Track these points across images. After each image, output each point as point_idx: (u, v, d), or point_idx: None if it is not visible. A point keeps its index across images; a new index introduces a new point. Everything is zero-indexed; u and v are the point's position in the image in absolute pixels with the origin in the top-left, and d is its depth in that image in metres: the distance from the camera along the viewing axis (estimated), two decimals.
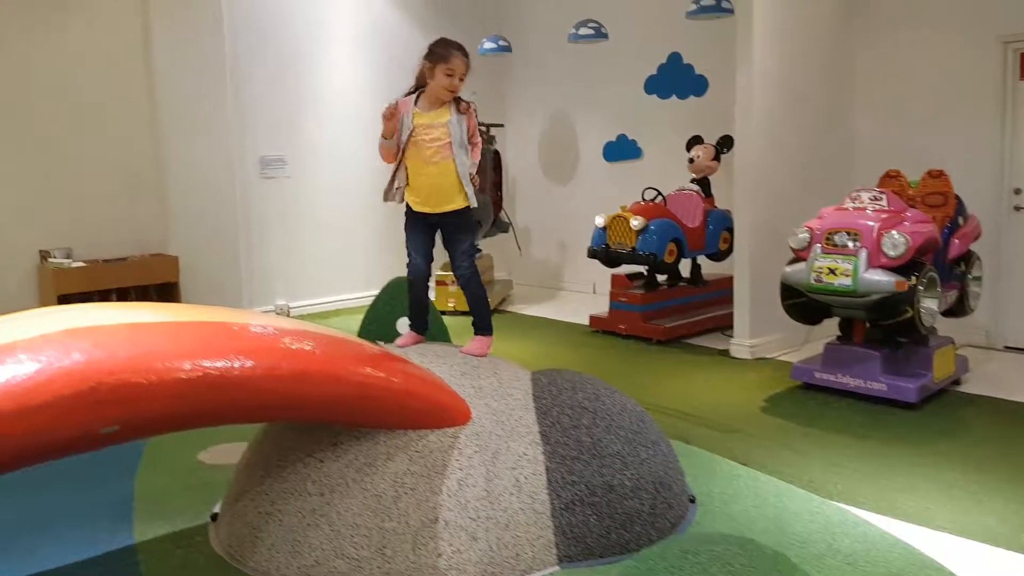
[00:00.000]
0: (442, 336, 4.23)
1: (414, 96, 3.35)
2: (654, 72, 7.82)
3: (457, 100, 3.35)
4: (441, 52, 3.25)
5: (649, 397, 4.84)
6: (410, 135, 3.28)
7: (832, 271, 4.62)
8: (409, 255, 3.50)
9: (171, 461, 3.87)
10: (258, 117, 7.38)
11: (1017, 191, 5.96)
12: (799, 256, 4.89)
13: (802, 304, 4.94)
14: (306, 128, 7.73)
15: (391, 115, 3.28)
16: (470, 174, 3.37)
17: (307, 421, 2.71)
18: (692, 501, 3.20)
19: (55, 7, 6.17)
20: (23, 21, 6.09)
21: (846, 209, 4.89)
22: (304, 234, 7.78)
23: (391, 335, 4.09)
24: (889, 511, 3.34)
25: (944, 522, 3.24)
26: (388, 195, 3.44)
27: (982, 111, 5.99)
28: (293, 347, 2.41)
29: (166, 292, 6.57)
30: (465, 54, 3.28)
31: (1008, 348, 6.05)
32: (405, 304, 4.23)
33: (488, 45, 7.88)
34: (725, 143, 6.77)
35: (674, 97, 7.74)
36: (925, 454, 4.00)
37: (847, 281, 4.56)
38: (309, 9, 7.64)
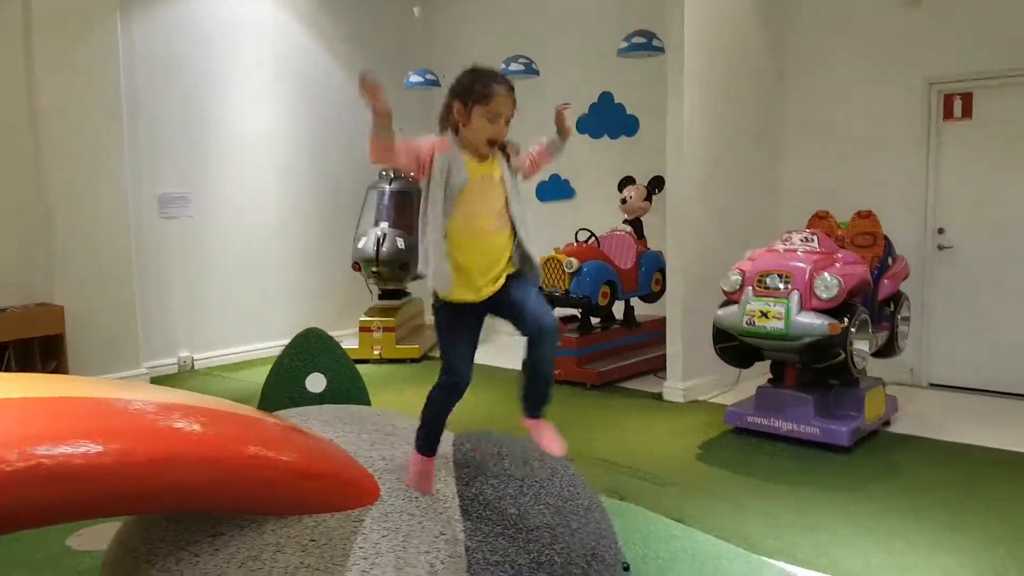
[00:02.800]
0: (359, 395, 3.92)
1: (452, 137, 2.46)
2: (586, 111, 7.77)
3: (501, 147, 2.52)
4: (480, 90, 2.43)
5: (584, 447, 4.66)
6: (460, 192, 2.39)
7: (764, 314, 4.54)
8: (452, 368, 2.57)
9: (34, 548, 3.39)
10: (160, 153, 6.94)
11: (940, 231, 6.04)
12: (731, 299, 4.80)
13: (734, 347, 4.85)
14: (212, 164, 7.33)
15: (374, 88, 2.23)
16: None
17: (181, 511, 2.35)
18: (626, 569, 3.01)
19: None
20: None
21: (777, 251, 4.84)
22: (209, 279, 7.30)
23: (299, 394, 3.72)
24: (830, 567, 3.21)
25: None
26: (424, 270, 2.46)
27: (907, 153, 6.08)
28: (161, 425, 2.05)
29: (51, 346, 5.94)
30: (510, 88, 2.48)
31: (932, 385, 6.10)
32: (316, 359, 3.84)
33: (414, 79, 7.71)
34: (656, 184, 6.73)
35: (606, 137, 7.69)
36: (861, 501, 3.91)
37: (779, 324, 4.49)
38: (219, 40, 7.33)
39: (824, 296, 4.44)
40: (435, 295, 2.50)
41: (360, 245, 7.37)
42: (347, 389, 3.79)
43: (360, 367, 7.46)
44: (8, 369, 5.74)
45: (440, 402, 2.63)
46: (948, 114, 5.98)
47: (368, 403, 3.89)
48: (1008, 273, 5.76)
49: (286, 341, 3.93)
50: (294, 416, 3.04)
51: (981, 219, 5.87)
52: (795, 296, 4.48)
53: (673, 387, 5.80)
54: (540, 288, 2.65)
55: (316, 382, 3.76)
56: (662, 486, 4.17)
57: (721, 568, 3.12)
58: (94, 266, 6.26)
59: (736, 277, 4.75)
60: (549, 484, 2.83)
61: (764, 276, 4.63)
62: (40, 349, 5.92)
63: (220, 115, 7.39)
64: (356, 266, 7.46)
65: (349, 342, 7.40)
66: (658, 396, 5.90)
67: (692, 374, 5.81)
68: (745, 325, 4.59)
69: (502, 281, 2.48)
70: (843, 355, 4.41)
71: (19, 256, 6.08)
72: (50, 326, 5.93)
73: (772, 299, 4.54)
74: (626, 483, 4.15)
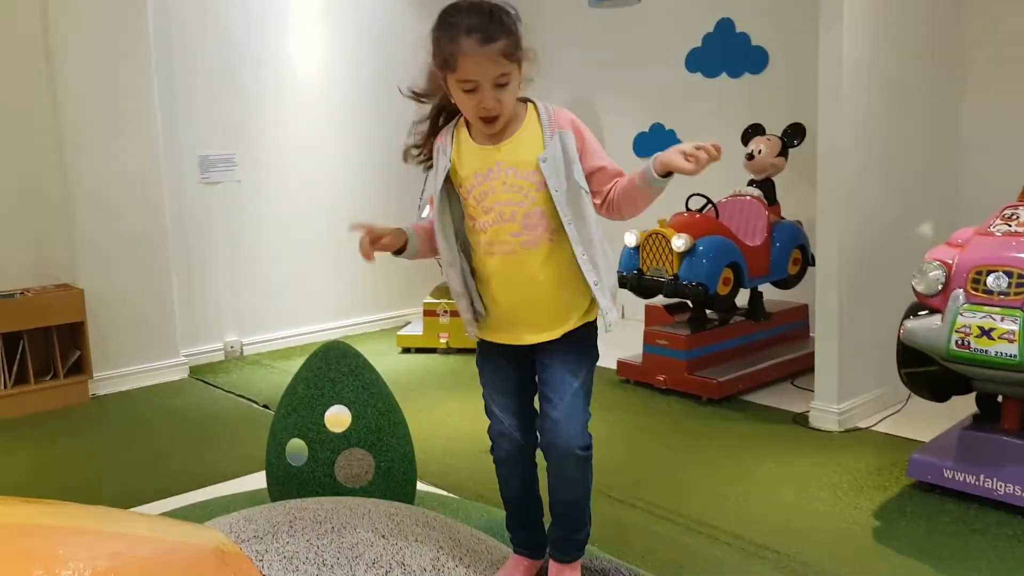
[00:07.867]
0: (393, 434, 2.86)
1: (453, 124, 2.08)
2: (698, 44, 6.24)
3: (535, 105, 2.00)
4: (444, 50, 1.84)
5: (697, 507, 3.33)
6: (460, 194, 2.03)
7: (986, 332, 3.03)
8: (489, 415, 2.13)
9: None
10: (199, 109, 5.94)
11: None
12: (927, 304, 3.30)
13: (932, 374, 3.36)
14: (261, 121, 6.26)
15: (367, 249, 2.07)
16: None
17: None
18: None
19: None
20: None
21: (995, 235, 3.29)
22: (260, 252, 6.29)
23: (316, 434, 2.82)
24: None
25: None
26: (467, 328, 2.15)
27: None
28: None
29: (71, 334, 5.18)
30: (487, 35, 1.80)
31: None
32: (340, 383, 2.89)
33: None
34: (795, 134, 5.21)
35: (724, 75, 6.14)
36: None
37: (1011, 349, 2.98)
38: None
39: None
40: None
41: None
42: (378, 428, 2.85)
43: (424, 359, 6.30)
44: (23, 362, 4.93)
45: (497, 472, 2.16)
46: None
47: (408, 445, 2.91)
48: None
49: (346, 322, 3.00)
50: (251, 535, 1.84)
51: None
52: None
53: (824, 410, 4.33)
54: (591, 368, 2.06)
55: (339, 418, 2.85)
56: None
57: None
58: (122, 240, 5.37)
59: (936, 273, 3.24)
60: None
61: (983, 273, 3.11)
62: (60, 337, 5.09)
63: (270, 64, 6.29)
64: None
65: (415, 327, 6.27)
66: (801, 419, 4.45)
67: (850, 392, 4.33)
68: (954, 347, 3.09)
69: (560, 329, 2.02)
70: None
71: (33, 230, 5.22)
72: (69, 312, 5.07)
73: (999, 309, 3.02)
74: None
